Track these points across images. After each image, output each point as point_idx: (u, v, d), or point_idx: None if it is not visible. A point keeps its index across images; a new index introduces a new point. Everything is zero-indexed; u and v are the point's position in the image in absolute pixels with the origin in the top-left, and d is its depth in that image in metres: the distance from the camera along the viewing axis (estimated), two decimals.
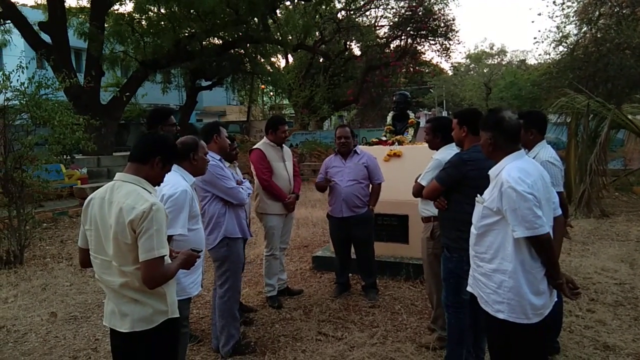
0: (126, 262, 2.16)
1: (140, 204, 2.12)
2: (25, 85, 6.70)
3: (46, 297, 5.17)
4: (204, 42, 16.80)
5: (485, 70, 36.49)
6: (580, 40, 17.52)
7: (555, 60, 19.79)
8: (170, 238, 2.59)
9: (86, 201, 2.32)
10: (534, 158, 3.27)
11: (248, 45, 18.08)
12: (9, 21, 15.00)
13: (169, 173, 2.48)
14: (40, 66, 15.96)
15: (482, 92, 33.19)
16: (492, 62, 37.88)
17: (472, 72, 38.48)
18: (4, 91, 6.52)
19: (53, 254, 7.03)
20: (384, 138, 6.04)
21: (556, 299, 2.46)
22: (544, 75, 20.32)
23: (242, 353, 3.67)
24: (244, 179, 4.11)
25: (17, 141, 6.67)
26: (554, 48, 22.64)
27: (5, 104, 6.59)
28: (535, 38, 41.78)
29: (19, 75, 6.57)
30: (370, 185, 4.80)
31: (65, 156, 8.26)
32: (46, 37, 14.50)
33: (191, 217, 2.83)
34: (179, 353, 2.83)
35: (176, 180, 2.80)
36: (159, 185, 2.37)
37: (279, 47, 20.15)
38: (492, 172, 2.45)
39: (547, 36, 31.82)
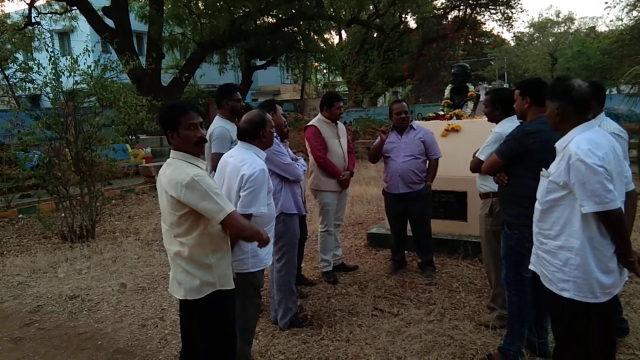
0: (178, 232, 2.32)
1: (182, 177, 2.24)
2: (92, 68, 7.02)
3: (116, 269, 5.49)
4: (258, 22, 16.93)
5: (550, 40, 34.50)
6: None
7: (628, 27, 18.41)
8: (249, 216, 2.71)
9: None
10: None
11: (301, 22, 18.06)
12: (75, 7, 15.73)
13: (244, 151, 2.83)
14: (105, 50, 16.70)
15: (547, 63, 31.44)
16: (558, 31, 35.76)
17: (536, 42, 36.53)
18: (72, 74, 6.86)
19: (122, 228, 7.44)
20: (441, 112, 5.87)
21: (626, 279, 2.33)
22: (616, 42, 18.99)
23: (299, 326, 3.76)
24: (298, 156, 4.15)
25: (86, 122, 7.03)
26: (627, 13, 21.04)
27: (74, 87, 6.94)
28: (606, 3, 38.80)
29: (85, 59, 6.90)
30: (428, 161, 4.71)
31: (130, 136, 8.63)
32: (109, 22, 15.12)
33: (267, 192, 2.92)
34: (248, 321, 3.02)
35: (252, 159, 2.85)
36: (195, 152, 2.41)
37: (332, 23, 19.97)
38: (559, 145, 2.31)
39: (619, 0, 29.54)
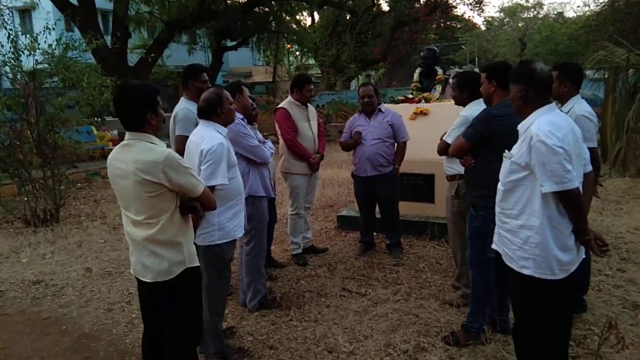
0: (150, 214, 2.26)
1: (157, 156, 2.21)
2: (53, 47, 6.76)
3: (81, 253, 5.38)
4: (228, 1, 16.54)
5: (520, 25, 35.03)
6: None
7: (594, 12, 18.79)
8: (212, 188, 2.74)
9: (107, 164, 2.38)
10: (568, 112, 3.16)
11: (273, 2, 17.73)
12: None
13: (204, 128, 2.90)
14: (69, 29, 16.07)
15: (517, 48, 31.94)
16: (528, 16, 36.32)
17: (506, 27, 37.04)
18: (32, 53, 6.60)
19: (87, 212, 7.28)
20: (410, 96, 5.90)
21: (584, 256, 2.41)
22: (582, 28, 19.41)
23: (268, 307, 3.78)
24: (266, 139, 4.11)
25: (49, 103, 6.79)
26: None
27: (35, 66, 6.68)
28: None
29: (46, 37, 6.63)
30: (396, 144, 4.74)
31: (95, 118, 8.38)
32: None
33: (229, 166, 2.95)
34: (214, 294, 3.03)
35: (211, 134, 2.94)
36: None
37: (304, 4, 19.66)
38: (521, 127, 2.36)
39: None
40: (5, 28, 7.13)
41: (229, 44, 21.13)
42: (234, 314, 3.75)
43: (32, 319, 3.88)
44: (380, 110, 4.72)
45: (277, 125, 4.73)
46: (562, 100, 3.36)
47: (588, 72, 9.31)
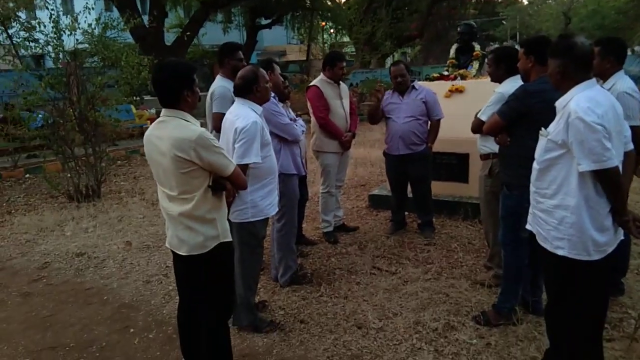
0: (183, 190, 2.32)
1: (189, 134, 2.25)
2: (93, 26, 6.92)
3: (122, 227, 5.59)
4: None
5: None
6: None
7: None
8: (246, 167, 2.80)
9: (144, 140, 2.45)
10: (609, 89, 3.03)
11: None
12: None
13: (239, 106, 2.92)
14: (108, 8, 16.39)
15: (561, 23, 30.49)
16: None
17: (550, 1, 35.39)
18: (73, 33, 6.77)
19: (127, 189, 7.53)
20: (446, 72, 5.77)
21: (623, 238, 2.34)
22: (632, 1, 18.34)
23: (299, 283, 3.84)
24: (298, 116, 4.12)
25: (89, 82, 6.99)
26: None
27: (76, 46, 6.87)
28: None
29: (86, 17, 6.79)
30: (429, 122, 4.66)
31: (134, 97, 8.58)
32: None
33: (263, 145, 2.99)
34: (247, 269, 3.12)
35: (246, 112, 2.97)
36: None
37: None
38: (559, 103, 2.28)
39: None
40: (47, 8, 7.35)
41: (264, 22, 21.13)
42: (266, 288, 3.84)
43: (76, 289, 4.08)
44: (413, 87, 4.65)
45: (309, 103, 4.73)
46: (604, 76, 3.23)
47: (636, 48, 8.86)
